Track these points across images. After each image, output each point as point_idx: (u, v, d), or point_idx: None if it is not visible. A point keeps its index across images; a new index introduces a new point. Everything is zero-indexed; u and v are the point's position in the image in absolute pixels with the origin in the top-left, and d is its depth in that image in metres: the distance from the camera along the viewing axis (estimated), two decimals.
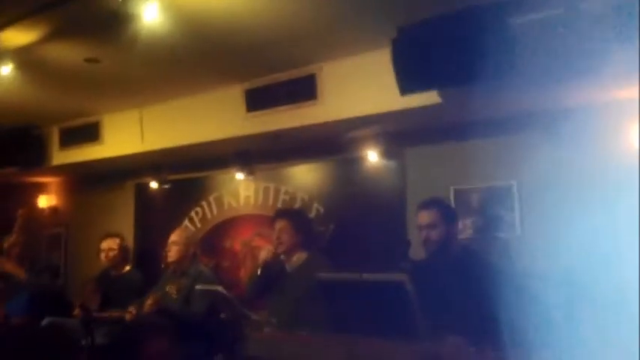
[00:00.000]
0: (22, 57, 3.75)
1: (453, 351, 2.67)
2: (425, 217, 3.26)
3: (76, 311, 4.52)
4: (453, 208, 3.60)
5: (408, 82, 3.24)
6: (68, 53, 3.89)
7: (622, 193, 3.57)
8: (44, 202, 6.86)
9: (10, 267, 5.06)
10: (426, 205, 3.32)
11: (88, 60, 4.01)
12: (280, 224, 3.99)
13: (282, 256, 3.99)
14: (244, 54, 4.03)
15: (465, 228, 4.17)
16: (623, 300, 3.45)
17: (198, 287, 4.11)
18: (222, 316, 4.24)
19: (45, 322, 4.74)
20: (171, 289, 4.40)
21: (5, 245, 5.24)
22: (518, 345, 2.54)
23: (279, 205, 5.17)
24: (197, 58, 4.08)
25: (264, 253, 3.98)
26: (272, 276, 3.94)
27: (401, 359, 2.61)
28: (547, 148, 3.90)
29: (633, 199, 3.50)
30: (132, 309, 4.35)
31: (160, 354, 2.35)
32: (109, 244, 4.92)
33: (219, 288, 3.96)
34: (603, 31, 2.84)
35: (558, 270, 3.44)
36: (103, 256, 4.95)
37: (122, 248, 4.95)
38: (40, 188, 6.94)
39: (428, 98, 3.59)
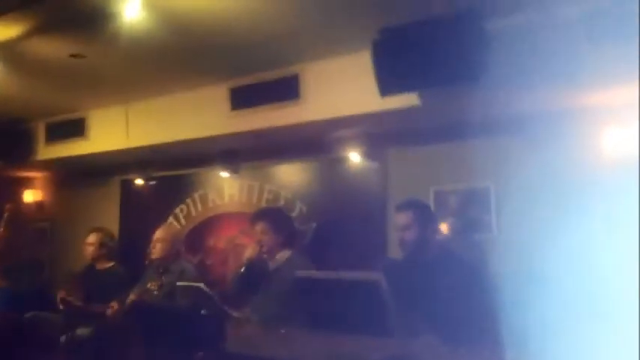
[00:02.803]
0: (7, 52, 3.78)
1: (425, 349, 2.72)
2: (400, 218, 3.30)
3: (59, 304, 4.55)
4: (430, 209, 3.60)
5: (387, 83, 3.28)
6: (53, 49, 3.91)
7: (597, 196, 3.64)
8: (30, 196, 6.86)
9: None
10: (401, 206, 3.34)
11: (73, 55, 4.03)
12: (259, 226, 4.01)
13: (265, 255, 4.02)
14: (230, 52, 4.07)
15: (444, 229, 4.23)
16: (598, 300, 3.51)
17: (179, 284, 4.13)
18: (204, 312, 4.27)
19: (28, 316, 4.77)
20: (153, 285, 4.42)
21: None
22: (493, 344, 2.59)
23: (263, 203, 5.21)
24: (183, 56, 4.12)
25: (249, 252, 4.00)
26: (255, 274, 3.97)
27: (375, 356, 2.65)
28: (524, 151, 3.97)
29: (608, 202, 3.57)
30: (114, 304, 4.37)
31: (136, 352, 2.39)
32: (90, 239, 4.93)
33: (201, 285, 3.99)
34: (577, 34, 2.91)
35: (533, 270, 3.50)
36: (85, 250, 4.96)
37: (103, 243, 4.95)
38: (26, 183, 6.94)
39: (409, 100, 3.65)
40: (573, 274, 3.57)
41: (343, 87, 4.06)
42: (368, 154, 4.62)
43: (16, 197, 6.68)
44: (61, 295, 4.56)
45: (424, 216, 3.29)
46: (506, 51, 3.04)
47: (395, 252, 3.49)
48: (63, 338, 4.46)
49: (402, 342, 2.71)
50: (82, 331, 4.43)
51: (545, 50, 3.03)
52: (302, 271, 3.31)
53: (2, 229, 5.26)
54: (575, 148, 3.84)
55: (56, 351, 4.32)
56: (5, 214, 5.36)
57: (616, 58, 3.01)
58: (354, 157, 4.66)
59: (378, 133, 4.49)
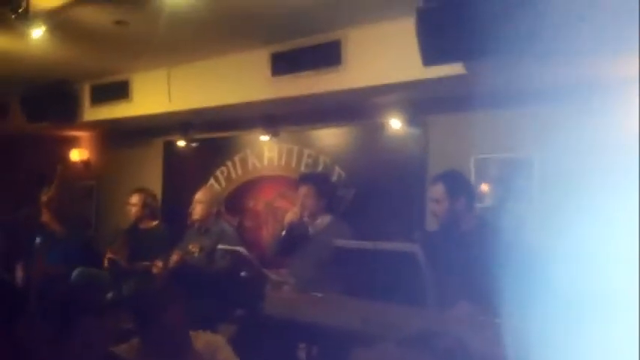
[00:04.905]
0: (55, 19, 3.84)
1: (460, 316, 2.75)
2: (432, 191, 3.30)
3: (105, 263, 4.72)
4: (465, 181, 3.46)
5: (431, 53, 3.22)
6: (98, 16, 4.01)
7: None
8: (77, 155, 7.05)
9: (49, 220, 5.29)
10: (433, 179, 3.33)
11: (117, 22, 4.10)
12: (304, 189, 4.05)
13: (305, 219, 4.07)
14: (271, 18, 4.06)
15: (484, 197, 4.21)
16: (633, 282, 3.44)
17: (220, 247, 4.24)
18: (243, 275, 4.38)
19: (76, 272, 4.97)
20: (194, 246, 4.53)
21: (44, 198, 5.43)
22: (522, 315, 2.60)
23: (302, 167, 5.24)
24: (224, 21, 4.13)
25: (290, 215, 4.05)
26: (295, 238, 4.03)
27: (410, 323, 2.70)
28: (569, 123, 3.87)
29: None
30: (158, 263, 4.50)
31: (179, 314, 2.49)
32: (133, 200, 5.06)
33: (241, 248, 4.08)
34: (631, 5, 2.79)
35: (569, 244, 3.45)
36: (129, 210, 5.10)
37: (146, 203, 5.06)
38: (73, 142, 7.13)
39: (452, 68, 3.57)
40: (615, 250, 3.50)
41: (385, 54, 4.01)
42: (409, 121, 4.57)
43: (64, 156, 6.90)
44: (108, 254, 4.73)
45: (457, 189, 3.22)
46: (554, 20, 2.95)
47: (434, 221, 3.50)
48: (109, 295, 4.64)
49: (437, 312, 2.75)
50: (127, 289, 4.60)
51: (593, 20, 2.93)
52: (340, 240, 3.35)
53: (54, 189, 5.43)
54: (622, 121, 3.72)
55: (102, 307, 4.50)
56: (57, 174, 5.53)
57: None
58: (395, 123, 4.63)
59: (419, 100, 4.44)
